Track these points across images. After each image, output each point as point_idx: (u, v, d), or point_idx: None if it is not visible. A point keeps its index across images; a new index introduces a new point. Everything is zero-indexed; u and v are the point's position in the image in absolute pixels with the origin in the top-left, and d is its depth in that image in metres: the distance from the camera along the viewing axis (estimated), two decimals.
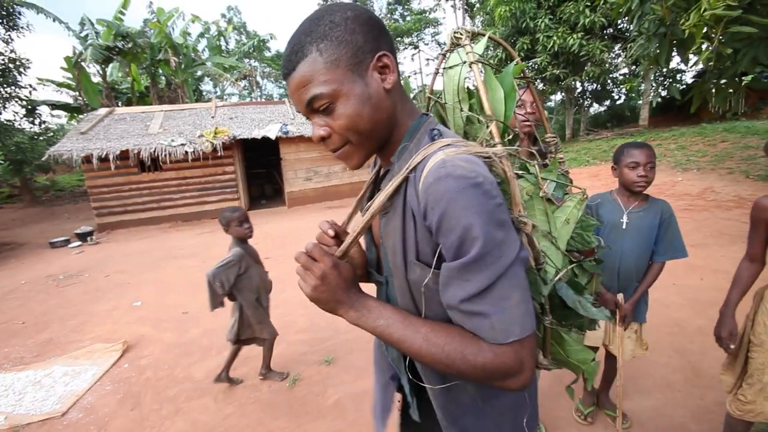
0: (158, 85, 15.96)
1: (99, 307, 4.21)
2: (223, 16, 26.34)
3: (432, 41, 22.28)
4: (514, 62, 0.83)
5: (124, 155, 8.80)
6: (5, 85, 12.34)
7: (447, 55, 0.81)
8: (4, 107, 12.80)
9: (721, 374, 1.58)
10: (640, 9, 3.86)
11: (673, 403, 2.10)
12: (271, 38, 22.70)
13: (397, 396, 0.88)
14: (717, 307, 1.51)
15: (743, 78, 4.12)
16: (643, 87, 13.39)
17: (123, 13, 13.67)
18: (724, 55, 3.15)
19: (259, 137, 9.68)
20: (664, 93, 14.06)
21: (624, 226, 1.73)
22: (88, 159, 8.61)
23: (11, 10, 11.63)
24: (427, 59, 21.74)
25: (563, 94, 15.35)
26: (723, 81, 4.01)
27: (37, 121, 14.74)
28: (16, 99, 13.07)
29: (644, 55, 4.27)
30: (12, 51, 12.29)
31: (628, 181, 1.69)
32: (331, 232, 0.75)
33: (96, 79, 15.08)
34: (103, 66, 14.02)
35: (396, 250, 0.68)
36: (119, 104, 15.88)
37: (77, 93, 15.12)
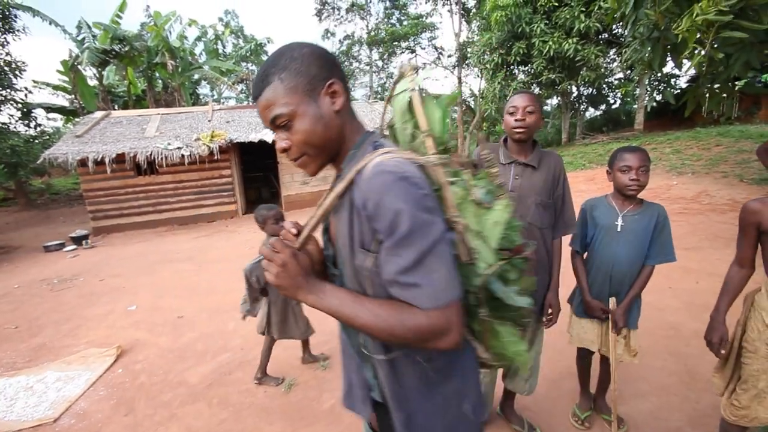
0: (155, 89, 15.93)
1: (93, 312, 4.18)
2: (221, 20, 26.35)
3: (429, 45, 22.35)
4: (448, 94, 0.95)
5: (120, 158, 8.76)
6: (0, 88, 12.29)
7: (395, 85, 0.94)
8: (0, 110, 12.74)
9: (713, 377, 1.58)
10: (634, 14, 3.90)
11: (669, 407, 2.10)
12: (269, 42, 22.80)
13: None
14: (710, 313, 1.51)
15: (736, 83, 4.16)
16: (638, 91, 13.51)
17: (120, 17, 13.66)
18: (716, 60, 3.18)
19: (256, 141, 9.66)
20: (659, 97, 14.15)
21: (618, 229, 1.73)
22: (83, 162, 8.56)
23: (7, 13, 11.59)
24: (424, 63, 21.84)
25: (559, 98, 15.46)
26: (716, 85, 4.05)
27: (32, 124, 14.65)
28: (12, 102, 12.99)
29: (638, 59, 4.31)
30: (8, 54, 12.23)
31: (620, 185, 1.70)
32: (294, 231, 0.86)
33: (92, 82, 15.03)
34: (99, 69, 13.97)
35: (345, 242, 0.79)
36: (116, 107, 15.81)
37: (73, 96, 15.05)
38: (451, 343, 0.72)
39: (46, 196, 16.03)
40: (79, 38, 13.48)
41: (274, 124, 0.78)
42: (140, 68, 14.88)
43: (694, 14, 2.87)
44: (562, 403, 2.19)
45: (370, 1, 22.60)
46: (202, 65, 16.83)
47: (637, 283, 1.73)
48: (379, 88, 25.16)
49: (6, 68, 12.20)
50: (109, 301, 4.49)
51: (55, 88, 15.46)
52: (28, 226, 11.02)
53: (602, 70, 12.52)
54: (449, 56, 21.61)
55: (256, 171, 12.90)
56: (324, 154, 0.82)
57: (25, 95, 13.45)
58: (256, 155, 11.53)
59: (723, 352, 1.45)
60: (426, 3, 21.99)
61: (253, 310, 2.52)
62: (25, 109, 13.83)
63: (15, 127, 13.97)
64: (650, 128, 13.71)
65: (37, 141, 14.72)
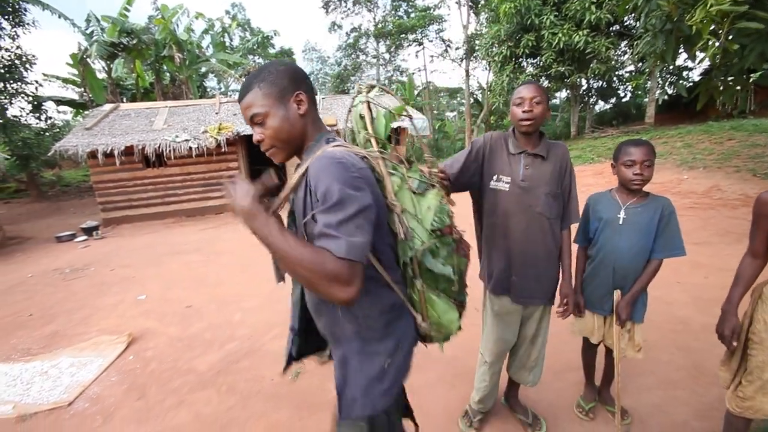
0: (163, 82, 16.00)
1: (104, 301, 4.26)
2: (227, 12, 26.33)
3: (436, 38, 22.11)
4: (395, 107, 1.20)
5: (129, 151, 8.85)
6: (11, 81, 12.41)
7: (354, 99, 1.20)
8: (11, 103, 12.87)
9: (719, 370, 1.58)
10: (646, 5, 3.83)
11: (675, 401, 2.10)
12: (275, 35, 22.69)
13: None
14: (722, 305, 1.49)
15: (751, 75, 4.07)
16: (649, 84, 13.26)
17: (128, 10, 13.69)
18: (730, 51, 3.12)
19: None
20: (671, 91, 13.88)
21: (620, 222, 1.71)
22: (93, 154, 8.67)
23: (17, 7, 11.66)
24: (431, 56, 21.64)
25: (568, 91, 15.25)
26: (730, 78, 3.97)
27: (43, 117, 14.80)
28: (23, 95, 13.13)
29: (651, 52, 4.24)
30: (18, 47, 12.34)
31: (624, 179, 1.69)
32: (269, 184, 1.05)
33: (101, 75, 15.14)
34: (108, 62, 14.06)
35: (300, 212, 0.99)
36: (124, 100, 15.94)
37: (82, 89, 15.18)
38: (347, 296, 0.84)
39: (57, 188, 16.27)
40: (88, 31, 13.56)
41: (253, 121, 1.00)
42: (148, 61, 14.93)
43: (709, 5, 2.81)
44: (567, 395, 2.19)
45: None
46: (210, 58, 16.85)
47: (642, 276, 1.70)
48: (386, 81, 25.01)
49: (17, 61, 12.32)
50: (119, 290, 4.57)
51: (65, 81, 15.60)
52: (40, 218, 11.22)
53: (613, 62, 12.31)
54: (457, 49, 21.39)
55: (262, 163, 12.95)
56: (290, 147, 1.04)
57: (36, 88, 13.58)
58: None
59: (735, 344, 1.44)
60: None
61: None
62: (35, 102, 13.97)
63: (26, 120, 14.14)
64: (661, 122, 13.48)
65: (47, 134, 14.88)
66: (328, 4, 22.80)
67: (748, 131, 8.63)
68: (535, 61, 12.88)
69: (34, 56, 12.79)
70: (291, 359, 1.30)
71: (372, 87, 1.22)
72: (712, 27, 2.98)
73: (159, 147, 8.93)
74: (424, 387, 2.35)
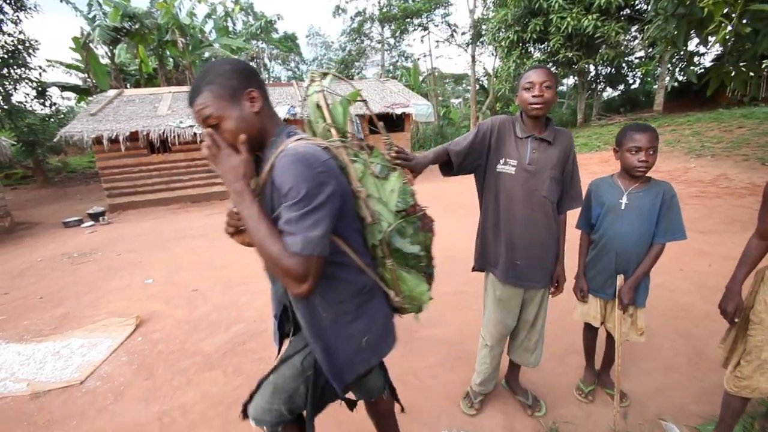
0: (166, 67, 15.91)
1: (112, 284, 4.33)
2: None
3: (442, 22, 21.66)
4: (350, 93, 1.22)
5: (133, 137, 8.87)
6: (15, 67, 12.40)
7: (307, 89, 1.20)
8: (15, 89, 12.89)
9: (717, 347, 1.61)
10: None
11: (674, 385, 2.13)
12: (279, 19, 22.31)
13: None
14: (726, 283, 1.50)
15: (764, 61, 3.98)
16: (659, 71, 13.00)
17: None
18: (743, 35, 3.05)
19: None
20: (681, 77, 13.60)
21: (623, 207, 1.72)
22: (98, 140, 8.69)
23: None
24: (437, 41, 21.27)
25: (576, 77, 14.98)
26: (742, 63, 3.88)
27: (47, 103, 14.82)
28: (27, 80, 13.14)
29: (661, 36, 4.15)
30: (21, 32, 12.29)
31: (628, 165, 1.68)
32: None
33: (104, 60, 15.08)
34: (111, 47, 13.98)
35: (267, 207, 1.00)
36: (128, 86, 15.89)
37: (86, 75, 15.15)
38: (301, 291, 0.89)
39: (63, 174, 16.39)
40: (90, 16, 13.45)
41: (206, 124, 0.97)
42: (151, 46, 14.83)
43: None
44: (567, 378, 2.23)
45: None
46: (213, 43, 16.67)
47: (645, 261, 1.71)
48: (391, 67, 24.68)
49: (20, 47, 12.28)
50: (126, 274, 4.64)
51: (69, 66, 15.56)
52: (47, 203, 11.33)
53: (622, 48, 12.06)
54: (463, 34, 21.01)
55: None
56: (249, 146, 1.01)
57: (40, 74, 13.57)
58: None
59: (737, 320, 1.46)
60: None
61: None
62: (39, 88, 13.97)
63: (31, 106, 14.18)
64: (670, 109, 13.26)
65: (52, 119, 14.94)
66: None
67: (759, 119, 8.48)
68: (543, 46, 12.65)
69: (37, 41, 12.76)
70: (281, 344, 1.33)
71: (325, 74, 1.23)
72: (725, 10, 2.91)
73: (163, 133, 8.93)
74: (426, 370, 2.39)
